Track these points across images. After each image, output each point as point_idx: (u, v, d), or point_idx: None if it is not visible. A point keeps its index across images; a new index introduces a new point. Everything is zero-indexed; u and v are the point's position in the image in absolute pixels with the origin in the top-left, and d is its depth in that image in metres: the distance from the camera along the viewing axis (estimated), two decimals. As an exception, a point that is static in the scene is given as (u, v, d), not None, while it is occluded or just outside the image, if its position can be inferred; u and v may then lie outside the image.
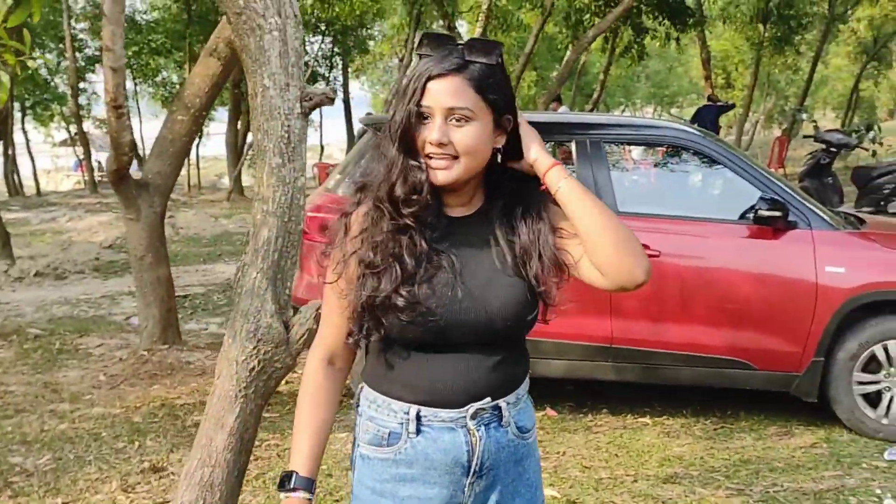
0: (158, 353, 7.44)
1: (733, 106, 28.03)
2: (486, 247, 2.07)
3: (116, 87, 6.68)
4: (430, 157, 1.97)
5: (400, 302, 1.95)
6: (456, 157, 1.97)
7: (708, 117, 22.41)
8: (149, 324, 7.65)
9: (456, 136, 1.96)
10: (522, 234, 2.07)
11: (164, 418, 6.07)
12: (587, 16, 18.33)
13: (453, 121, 1.96)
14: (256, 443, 4.15)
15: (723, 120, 35.04)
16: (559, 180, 2.03)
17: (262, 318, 3.12)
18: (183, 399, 6.47)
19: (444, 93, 1.96)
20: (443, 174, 1.98)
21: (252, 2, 2.96)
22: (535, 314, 2.08)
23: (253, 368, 3.13)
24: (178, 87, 32.03)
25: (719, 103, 23.97)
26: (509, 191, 2.13)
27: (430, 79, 1.96)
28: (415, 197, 1.97)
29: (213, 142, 38.26)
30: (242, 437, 3.24)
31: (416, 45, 2.05)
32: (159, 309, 7.60)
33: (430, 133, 1.95)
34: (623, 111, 61.44)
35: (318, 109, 3.32)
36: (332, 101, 3.13)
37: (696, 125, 7.79)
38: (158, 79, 32.39)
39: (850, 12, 30.33)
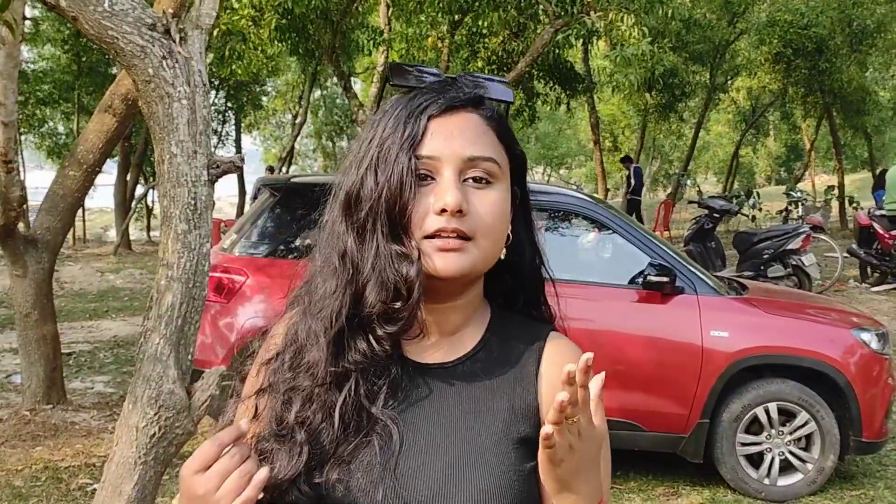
0: (42, 413, 7.22)
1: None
2: (472, 409, 1.33)
3: (7, 142, 6.56)
4: (437, 237, 1.27)
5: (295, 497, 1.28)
6: (469, 239, 1.28)
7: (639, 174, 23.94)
8: (32, 383, 7.42)
9: (476, 204, 1.29)
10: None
11: (47, 482, 5.89)
12: (481, 79, 18.63)
13: (470, 181, 1.29)
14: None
15: (610, 183, 36.15)
16: None
17: (164, 383, 3.11)
18: (67, 461, 6.28)
19: (459, 134, 1.30)
20: (455, 260, 1.27)
21: (161, 70, 2.99)
22: None
23: (153, 435, 3.11)
24: (64, 138, 31.40)
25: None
26: (516, 323, 1.44)
27: (431, 117, 1.30)
28: (398, 305, 1.27)
29: (99, 193, 37.59)
30: (140, 504, 3.20)
31: (388, 78, 1.41)
32: (44, 367, 7.39)
33: (442, 196, 1.26)
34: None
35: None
36: (239, 168, 3.17)
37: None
38: (44, 129, 31.69)
39: (729, 82, 31.57)
